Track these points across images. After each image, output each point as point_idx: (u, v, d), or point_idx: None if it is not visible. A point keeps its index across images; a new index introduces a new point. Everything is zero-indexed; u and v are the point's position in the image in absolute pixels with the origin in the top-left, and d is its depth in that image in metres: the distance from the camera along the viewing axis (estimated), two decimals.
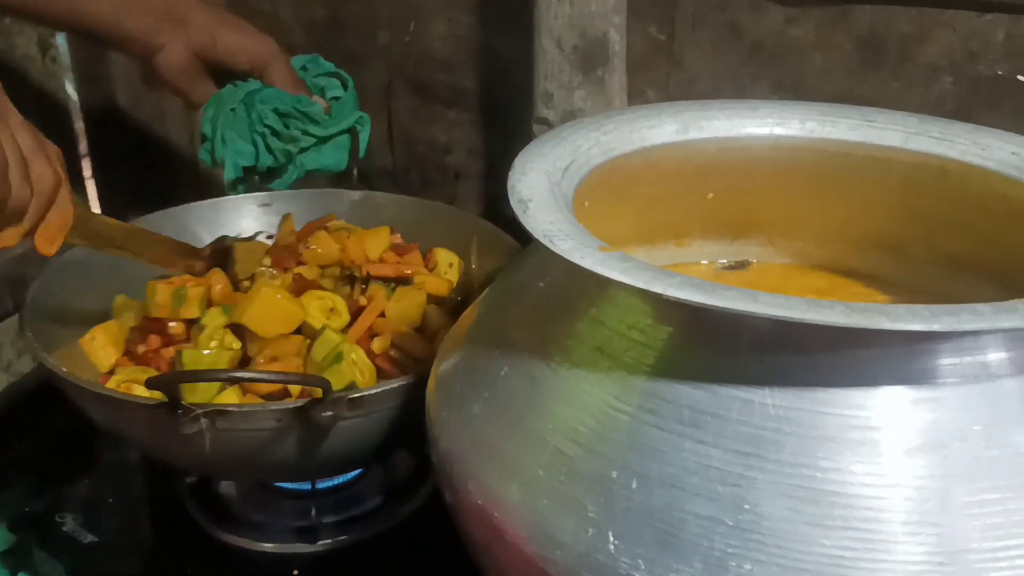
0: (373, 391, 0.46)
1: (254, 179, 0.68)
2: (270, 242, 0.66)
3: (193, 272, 0.60)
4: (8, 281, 0.73)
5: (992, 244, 0.44)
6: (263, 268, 0.60)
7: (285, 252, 0.61)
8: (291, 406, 0.45)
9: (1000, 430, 0.30)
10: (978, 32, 0.58)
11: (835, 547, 0.29)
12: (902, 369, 0.30)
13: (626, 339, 0.33)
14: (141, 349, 0.56)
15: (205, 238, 0.66)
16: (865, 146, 0.46)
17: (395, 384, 0.47)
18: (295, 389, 0.49)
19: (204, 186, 0.73)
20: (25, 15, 0.69)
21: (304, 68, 0.69)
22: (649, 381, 0.32)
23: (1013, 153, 0.42)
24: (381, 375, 0.53)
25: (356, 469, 0.57)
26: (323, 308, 0.57)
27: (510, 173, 0.39)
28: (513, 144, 0.42)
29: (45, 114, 0.85)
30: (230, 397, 0.51)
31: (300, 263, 0.61)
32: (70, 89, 0.90)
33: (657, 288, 0.30)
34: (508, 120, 0.79)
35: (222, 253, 0.61)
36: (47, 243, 0.50)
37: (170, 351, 0.55)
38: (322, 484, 0.57)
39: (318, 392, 0.44)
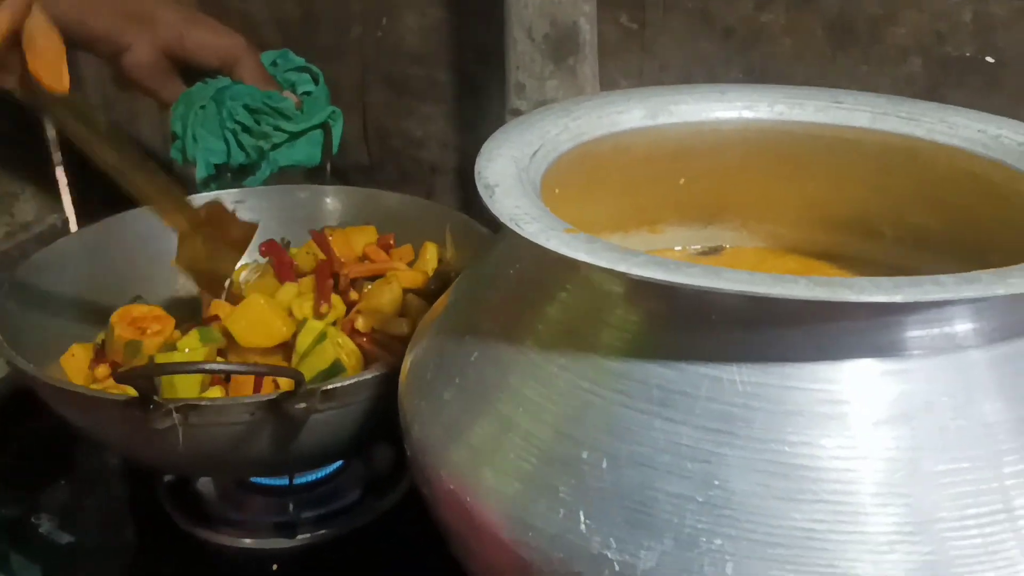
0: (347, 382, 0.46)
1: (227, 176, 0.68)
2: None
3: (181, 229, 0.58)
4: None
5: (962, 221, 0.45)
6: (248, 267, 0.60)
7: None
8: (264, 399, 0.45)
9: (967, 400, 0.30)
10: (946, 13, 0.58)
11: (805, 520, 0.29)
12: (870, 342, 0.30)
13: (594, 321, 0.33)
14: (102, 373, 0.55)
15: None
16: (834, 127, 0.46)
17: (369, 376, 0.46)
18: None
19: (182, 182, 0.72)
20: None
21: (274, 64, 0.69)
22: (618, 362, 0.32)
23: (979, 131, 0.42)
24: (367, 359, 0.53)
25: (333, 463, 0.57)
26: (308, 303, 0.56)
27: (477, 159, 0.39)
28: (488, 136, 0.42)
29: (16, 119, 0.84)
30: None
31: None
32: None
33: (622, 267, 0.30)
34: (483, 113, 0.79)
35: (217, 217, 0.60)
36: (50, 73, 0.46)
37: None
38: (300, 479, 0.56)
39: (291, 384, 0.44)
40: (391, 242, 0.64)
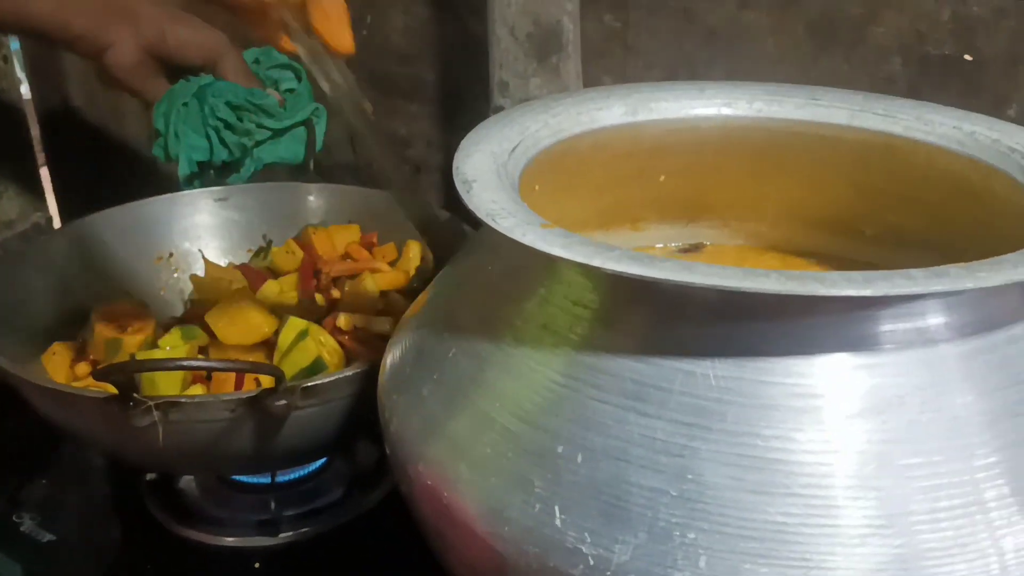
0: (327, 379, 0.46)
1: (209, 174, 0.68)
2: None
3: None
4: None
5: (939, 217, 0.45)
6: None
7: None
8: (244, 396, 0.45)
9: (938, 394, 0.31)
10: (925, 13, 0.58)
11: (778, 513, 0.29)
12: (842, 336, 0.31)
13: (570, 315, 0.33)
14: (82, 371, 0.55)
15: (161, 234, 0.65)
16: (812, 124, 0.47)
17: (349, 373, 0.47)
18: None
19: (163, 184, 0.72)
20: None
21: (257, 61, 0.69)
22: (593, 356, 0.32)
23: (955, 128, 0.43)
24: (349, 357, 0.53)
25: (315, 460, 0.57)
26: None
27: (456, 154, 0.39)
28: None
29: None
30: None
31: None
32: (24, 89, 0.89)
33: (596, 262, 0.30)
34: (467, 111, 0.79)
35: None
36: (335, 34, 0.47)
37: None
38: (282, 477, 0.56)
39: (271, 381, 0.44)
40: (374, 241, 0.64)
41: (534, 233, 0.32)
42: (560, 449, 0.32)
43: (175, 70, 0.68)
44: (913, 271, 0.29)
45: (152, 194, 0.68)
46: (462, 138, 0.41)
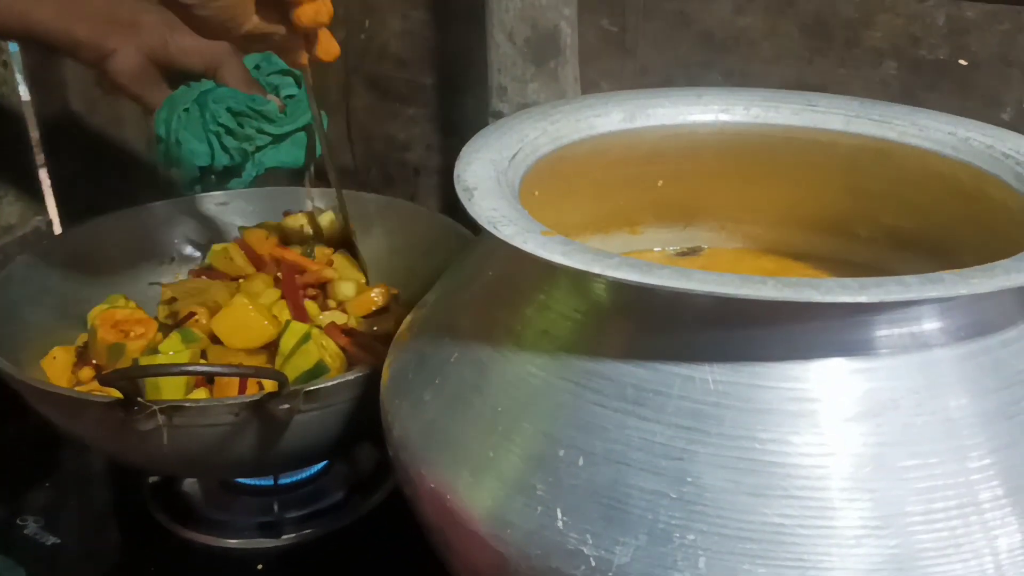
0: (330, 383, 0.46)
1: (211, 179, 0.68)
2: None
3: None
4: None
5: (933, 221, 0.45)
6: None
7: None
8: (248, 400, 0.45)
9: (933, 397, 0.31)
10: (919, 16, 0.59)
11: (775, 515, 0.30)
12: (838, 341, 0.31)
13: (570, 321, 0.34)
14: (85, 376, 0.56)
15: (163, 239, 0.66)
16: (808, 130, 0.47)
17: (351, 377, 0.47)
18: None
19: (163, 189, 0.73)
20: None
21: (257, 67, 0.69)
22: (593, 361, 0.33)
23: (949, 133, 0.43)
24: (351, 362, 0.54)
25: (317, 463, 0.58)
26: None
27: (456, 162, 0.39)
28: (470, 139, 0.42)
29: None
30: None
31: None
32: (24, 95, 0.90)
33: (596, 269, 0.31)
34: (465, 115, 0.79)
35: None
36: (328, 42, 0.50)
37: None
38: (284, 480, 0.57)
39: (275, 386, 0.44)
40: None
41: (535, 241, 0.33)
42: (561, 453, 0.32)
43: (176, 76, 0.68)
44: (907, 277, 0.30)
45: (152, 199, 0.68)
46: (461, 142, 0.41)
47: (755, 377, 0.31)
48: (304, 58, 0.51)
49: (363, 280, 0.62)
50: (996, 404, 0.32)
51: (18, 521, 0.56)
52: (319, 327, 0.55)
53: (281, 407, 0.44)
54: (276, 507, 0.55)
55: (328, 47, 0.53)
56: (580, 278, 0.34)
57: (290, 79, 0.70)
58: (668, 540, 0.30)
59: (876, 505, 0.30)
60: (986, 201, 0.41)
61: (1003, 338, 0.32)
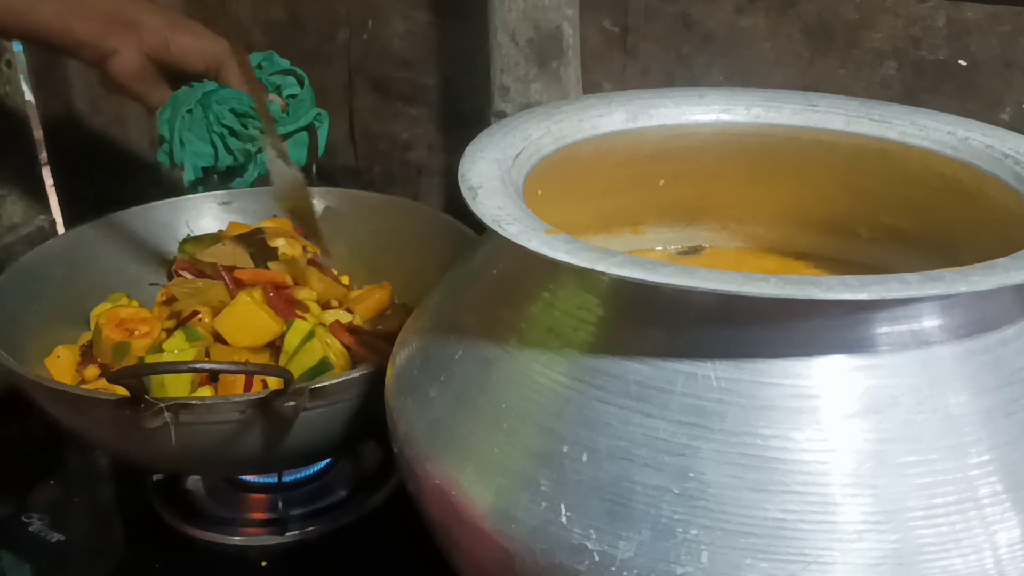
0: (335, 380, 0.47)
1: (214, 179, 0.69)
2: None
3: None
4: None
5: (933, 221, 0.46)
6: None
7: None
8: (253, 397, 0.45)
9: (934, 394, 0.31)
10: (920, 18, 0.59)
11: (777, 511, 0.30)
12: (840, 339, 0.31)
13: (575, 319, 0.34)
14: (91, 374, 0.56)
15: (166, 238, 0.66)
16: (809, 130, 0.47)
17: (357, 374, 0.47)
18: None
19: (166, 187, 0.73)
20: None
21: (259, 67, 0.70)
22: (597, 358, 0.33)
23: (949, 133, 0.44)
24: (355, 360, 0.54)
25: (322, 460, 0.58)
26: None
27: (461, 162, 0.40)
28: (473, 139, 0.42)
29: (2, 121, 0.84)
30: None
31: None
32: (28, 95, 0.90)
33: (600, 267, 0.31)
34: (468, 115, 0.80)
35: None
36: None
37: None
38: (289, 477, 0.57)
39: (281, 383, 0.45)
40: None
41: (539, 239, 0.33)
42: (565, 449, 0.32)
43: (178, 76, 0.68)
44: (908, 275, 0.30)
45: (155, 198, 0.69)
46: (463, 142, 0.42)
47: (757, 374, 0.31)
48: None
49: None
50: (995, 401, 0.32)
51: (23, 518, 0.56)
52: (323, 325, 0.55)
53: (287, 404, 0.45)
54: (280, 504, 0.56)
55: None
56: (584, 276, 0.34)
57: (292, 79, 0.70)
58: (671, 535, 0.30)
59: (877, 501, 0.30)
60: (986, 201, 0.41)
61: (1002, 336, 0.33)
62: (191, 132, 0.66)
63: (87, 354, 0.57)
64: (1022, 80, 0.57)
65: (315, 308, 0.59)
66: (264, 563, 0.54)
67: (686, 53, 0.68)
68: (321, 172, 0.74)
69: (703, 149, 0.49)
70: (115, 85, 0.68)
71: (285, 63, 0.71)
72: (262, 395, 0.45)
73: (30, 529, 0.56)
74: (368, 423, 0.49)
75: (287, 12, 0.87)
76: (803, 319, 0.31)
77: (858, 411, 0.31)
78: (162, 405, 0.44)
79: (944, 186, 0.44)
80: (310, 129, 0.70)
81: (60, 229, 0.90)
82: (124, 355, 0.54)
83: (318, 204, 0.69)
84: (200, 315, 0.55)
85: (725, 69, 0.67)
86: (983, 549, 0.30)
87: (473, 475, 0.34)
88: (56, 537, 0.55)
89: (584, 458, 0.32)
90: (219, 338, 0.55)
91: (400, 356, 0.42)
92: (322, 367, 0.51)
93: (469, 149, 0.41)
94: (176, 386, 0.50)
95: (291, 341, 0.53)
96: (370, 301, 0.60)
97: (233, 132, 0.66)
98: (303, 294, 0.59)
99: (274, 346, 0.54)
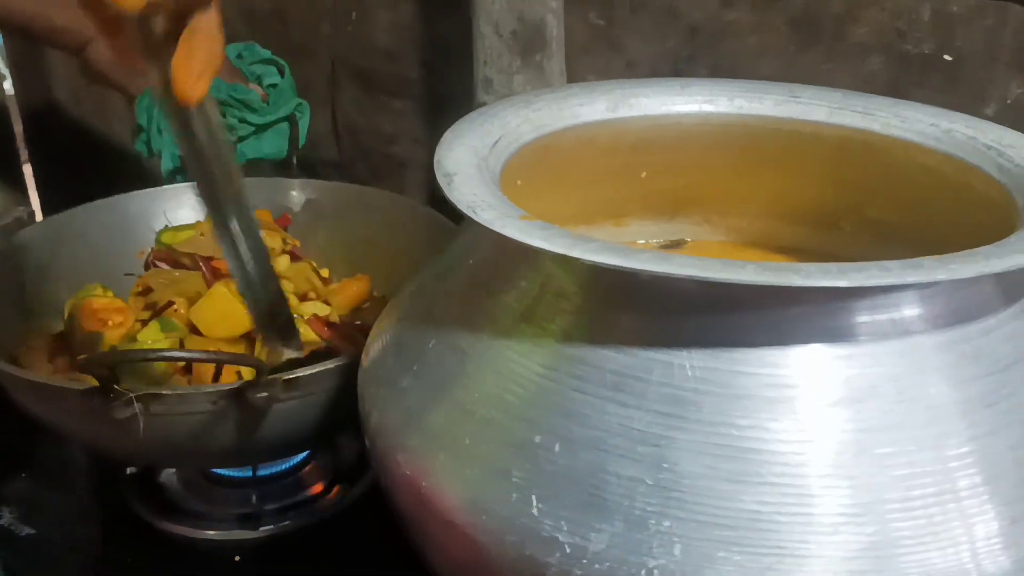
0: (308, 372, 0.46)
1: None
2: None
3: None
4: None
5: (917, 214, 0.45)
6: None
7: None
8: (225, 388, 0.45)
9: (913, 384, 0.31)
10: (905, 11, 0.59)
11: (753, 502, 0.29)
12: (819, 327, 0.31)
13: (550, 307, 0.34)
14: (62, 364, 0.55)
15: (143, 228, 0.65)
16: (792, 121, 0.47)
17: (331, 365, 0.47)
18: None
19: (147, 179, 0.72)
20: None
21: (240, 56, 0.69)
22: (573, 347, 0.33)
23: (932, 124, 0.43)
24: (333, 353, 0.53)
25: (297, 453, 0.57)
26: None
27: (437, 148, 0.39)
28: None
29: None
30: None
31: None
32: (7, 85, 0.89)
33: (576, 253, 0.30)
34: (452, 108, 0.79)
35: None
36: (192, 79, 0.37)
37: None
38: (263, 471, 0.56)
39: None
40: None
41: (514, 225, 0.32)
42: (538, 439, 0.32)
43: None
44: (887, 263, 0.29)
45: (136, 189, 0.68)
46: None
47: (734, 363, 0.31)
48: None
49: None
50: (975, 392, 0.31)
51: None
52: (300, 316, 0.54)
53: (259, 395, 0.44)
54: (255, 498, 0.55)
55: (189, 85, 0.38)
56: (560, 263, 0.34)
57: (273, 68, 0.70)
58: (644, 527, 0.30)
59: (854, 492, 0.30)
60: (969, 192, 0.41)
61: (984, 326, 0.32)
62: None
63: (60, 344, 0.56)
64: (1006, 75, 0.57)
65: (293, 300, 0.58)
66: (237, 558, 0.53)
67: (671, 46, 0.67)
68: (304, 165, 0.73)
69: (686, 140, 0.49)
70: (95, 73, 0.67)
71: (266, 53, 0.70)
72: (234, 386, 0.44)
73: (1, 523, 0.55)
74: (343, 415, 0.49)
75: (271, 3, 0.87)
76: (782, 307, 0.31)
77: (836, 401, 0.30)
78: (132, 395, 0.43)
79: (928, 178, 0.43)
80: (291, 120, 0.69)
81: (39, 220, 0.89)
82: (97, 345, 0.53)
83: (297, 197, 0.68)
84: (176, 305, 0.55)
85: (710, 63, 0.66)
86: (960, 542, 0.30)
87: (444, 466, 0.34)
88: (27, 531, 0.54)
89: (557, 448, 0.31)
90: (195, 330, 0.54)
91: (374, 346, 0.41)
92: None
93: (446, 136, 0.40)
94: (148, 377, 0.49)
95: None
96: (348, 293, 0.59)
97: None
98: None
99: (250, 338, 0.53)
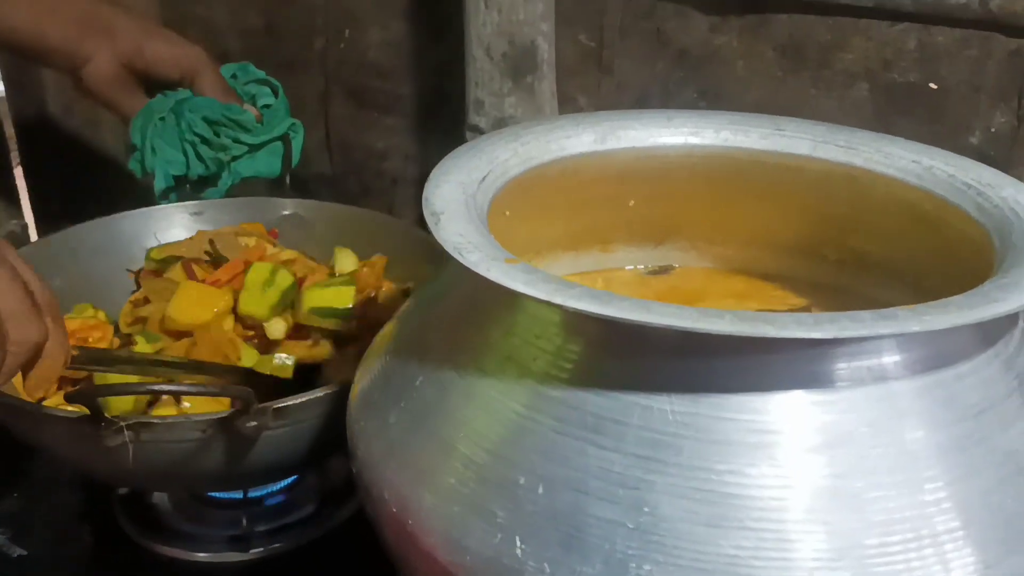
0: (298, 400, 0.47)
1: (186, 187, 0.68)
2: None
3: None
4: None
5: (898, 245, 0.46)
6: None
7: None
8: (215, 417, 0.45)
9: (891, 429, 0.31)
10: (891, 41, 0.59)
11: (731, 547, 0.30)
12: (796, 374, 0.31)
13: (534, 348, 0.34)
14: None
15: (135, 249, 0.65)
16: (776, 154, 0.47)
17: (320, 394, 0.47)
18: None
19: (140, 193, 0.73)
20: None
21: (234, 76, 0.69)
22: (555, 389, 0.33)
23: (913, 161, 0.44)
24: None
25: (287, 478, 0.58)
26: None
27: (426, 185, 0.39)
28: (448, 150, 0.42)
29: None
30: (168, 409, 0.51)
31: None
32: (0, 97, 0.89)
33: (558, 299, 0.31)
34: (444, 126, 0.80)
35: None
36: (32, 389, 0.42)
37: None
38: (254, 493, 0.57)
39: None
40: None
41: (498, 268, 0.33)
42: (521, 480, 0.32)
43: (152, 84, 0.68)
44: (861, 313, 0.30)
45: (129, 204, 0.68)
46: (439, 153, 0.41)
47: (713, 408, 0.31)
48: None
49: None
50: (950, 437, 0.32)
51: None
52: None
53: (249, 424, 0.44)
54: (245, 520, 0.55)
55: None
56: (543, 306, 0.34)
57: (267, 89, 0.70)
58: (624, 569, 0.30)
59: (831, 537, 0.30)
60: (948, 230, 0.42)
61: (957, 372, 0.33)
62: (163, 140, 0.66)
63: None
64: (991, 105, 0.57)
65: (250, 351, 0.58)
66: None
67: (660, 70, 0.68)
68: (296, 181, 0.74)
69: (672, 171, 0.49)
70: (89, 92, 0.68)
71: (260, 73, 0.71)
72: (223, 415, 0.45)
73: None
74: (333, 441, 0.49)
75: (264, 20, 0.87)
76: (760, 354, 0.31)
77: (814, 446, 0.31)
78: (122, 424, 0.44)
79: (909, 214, 0.44)
80: (284, 139, 0.70)
81: (32, 233, 0.90)
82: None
83: (290, 216, 0.69)
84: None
85: (698, 86, 0.67)
86: None
87: (429, 503, 0.34)
88: (18, 552, 0.55)
89: (540, 489, 0.32)
90: (174, 334, 0.55)
91: (363, 378, 0.42)
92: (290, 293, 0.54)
93: (434, 172, 0.40)
94: (136, 399, 0.49)
95: (253, 279, 0.54)
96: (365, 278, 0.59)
97: (205, 141, 0.66)
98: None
99: (238, 369, 0.54)
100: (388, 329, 0.44)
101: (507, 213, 0.43)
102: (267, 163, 0.70)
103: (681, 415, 0.31)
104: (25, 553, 0.55)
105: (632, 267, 0.54)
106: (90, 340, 0.54)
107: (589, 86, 0.71)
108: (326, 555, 0.55)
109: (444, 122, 0.79)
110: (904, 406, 0.32)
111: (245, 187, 0.70)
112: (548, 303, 0.31)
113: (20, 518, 0.57)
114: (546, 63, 0.67)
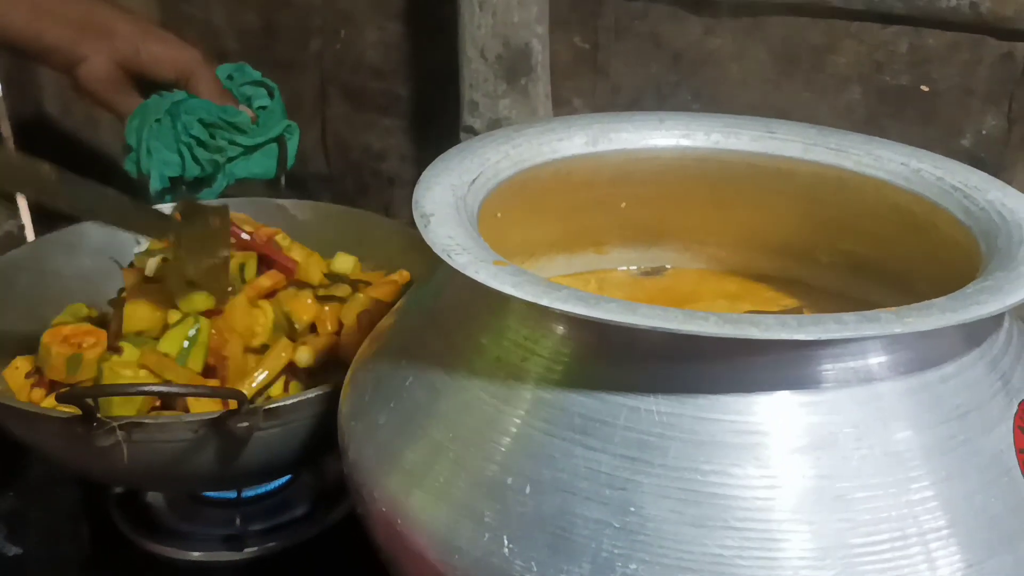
0: (290, 401, 0.47)
1: (181, 189, 0.68)
2: None
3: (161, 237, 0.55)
4: None
5: (888, 247, 0.46)
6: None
7: None
8: (207, 417, 0.45)
9: (877, 430, 0.32)
10: (883, 43, 0.60)
11: (716, 546, 0.30)
12: (781, 375, 0.32)
13: (522, 350, 0.34)
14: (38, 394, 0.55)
15: (132, 249, 0.66)
16: (768, 157, 0.48)
17: (312, 395, 0.47)
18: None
19: (138, 194, 0.73)
20: None
21: (230, 77, 0.70)
22: (543, 390, 0.33)
23: (903, 164, 0.44)
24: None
25: (280, 478, 0.58)
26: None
27: (416, 187, 0.40)
28: (444, 151, 0.43)
29: None
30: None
31: None
32: None
33: (544, 301, 0.31)
34: (440, 127, 0.80)
35: (189, 214, 0.56)
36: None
37: None
38: (248, 492, 0.57)
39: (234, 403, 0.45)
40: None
41: (487, 271, 0.33)
42: (510, 480, 0.33)
43: (148, 85, 0.68)
44: (845, 315, 0.30)
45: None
46: (435, 153, 0.42)
47: (699, 409, 0.31)
48: None
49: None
50: (935, 438, 0.32)
51: None
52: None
53: (240, 425, 0.45)
54: (239, 520, 0.56)
55: None
56: (531, 308, 0.34)
57: (263, 90, 0.70)
58: (611, 569, 0.31)
59: (817, 536, 0.30)
60: (936, 233, 0.42)
61: (941, 373, 0.33)
62: (158, 141, 0.66)
63: (37, 372, 0.56)
64: (982, 107, 0.58)
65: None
66: None
67: (655, 72, 0.68)
68: (292, 180, 0.74)
69: (664, 173, 0.49)
70: (85, 92, 0.68)
71: (256, 74, 0.71)
72: (215, 415, 0.45)
73: None
74: (326, 441, 0.49)
75: (261, 20, 0.87)
76: (746, 356, 0.31)
77: (800, 447, 0.31)
78: (115, 424, 0.44)
79: (898, 217, 0.44)
80: (280, 141, 0.70)
81: (29, 233, 0.90)
82: (78, 367, 0.53)
83: (285, 216, 0.69)
84: None
85: (692, 89, 0.67)
86: None
87: (418, 504, 0.34)
88: (13, 550, 0.55)
89: (527, 490, 0.32)
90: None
91: (354, 378, 0.42)
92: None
93: (425, 174, 0.41)
94: (125, 404, 0.49)
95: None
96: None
97: (201, 143, 0.66)
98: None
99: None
100: (381, 330, 0.44)
101: (498, 215, 0.44)
102: (262, 165, 0.70)
103: (667, 416, 0.31)
104: (20, 551, 0.55)
105: (625, 268, 0.55)
106: (84, 345, 0.54)
107: (584, 88, 0.72)
108: (320, 554, 0.55)
109: (441, 123, 0.80)
110: (889, 407, 0.32)
111: (241, 188, 0.70)
112: (535, 305, 0.31)
113: (16, 516, 0.58)
114: (540, 65, 0.68)
